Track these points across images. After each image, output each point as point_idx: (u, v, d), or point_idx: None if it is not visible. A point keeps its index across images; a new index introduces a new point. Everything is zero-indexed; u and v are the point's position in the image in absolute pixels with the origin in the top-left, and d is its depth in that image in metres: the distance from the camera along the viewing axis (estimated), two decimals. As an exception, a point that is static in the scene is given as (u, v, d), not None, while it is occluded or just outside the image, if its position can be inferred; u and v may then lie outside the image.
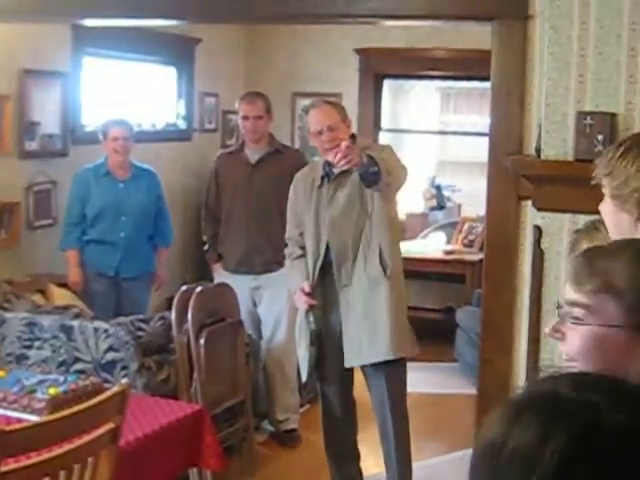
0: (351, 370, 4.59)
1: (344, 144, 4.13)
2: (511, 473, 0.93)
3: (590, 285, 1.46)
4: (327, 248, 4.47)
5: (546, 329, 1.54)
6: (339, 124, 4.46)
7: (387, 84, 8.41)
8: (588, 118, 3.39)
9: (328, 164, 4.48)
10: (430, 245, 8.02)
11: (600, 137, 3.36)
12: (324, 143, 4.43)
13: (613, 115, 3.37)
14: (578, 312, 1.45)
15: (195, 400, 4.58)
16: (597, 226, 2.49)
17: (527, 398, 1.00)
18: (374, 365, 4.45)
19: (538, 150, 3.55)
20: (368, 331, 4.40)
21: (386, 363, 4.41)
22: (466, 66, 7.40)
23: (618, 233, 2.16)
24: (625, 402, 0.97)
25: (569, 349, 1.48)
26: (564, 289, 1.52)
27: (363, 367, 4.53)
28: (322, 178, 4.52)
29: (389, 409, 4.53)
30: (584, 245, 2.41)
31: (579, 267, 1.49)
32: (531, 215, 3.63)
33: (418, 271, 7.44)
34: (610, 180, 2.20)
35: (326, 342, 4.57)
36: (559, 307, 1.50)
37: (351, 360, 4.46)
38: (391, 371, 4.50)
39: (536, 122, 3.73)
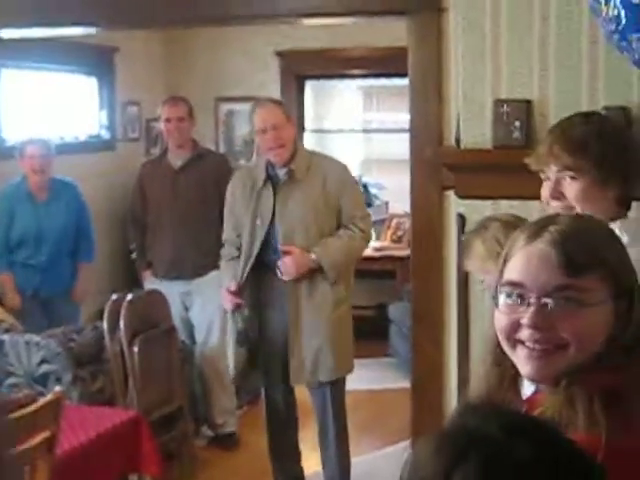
0: None
1: (288, 260, 4.30)
2: None
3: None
4: (262, 248, 4.50)
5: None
6: (284, 123, 4.49)
7: (309, 85, 8.46)
8: (505, 106, 3.45)
9: (270, 164, 4.51)
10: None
11: (517, 123, 3.42)
12: (268, 142, 4.46)
13: (528, 102, 3.44)
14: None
15: (131, 408, 4.56)
16: (486, 224, 2.59)
17: (461, 439, 1.05)
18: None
19: (458, 140, 3.61)
20: (314, 351, 4.47)
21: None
22: (386, 63, 7.45)
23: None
24: (526, 438, 1.03)
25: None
26: None
27: None
28: (265, 180, 4.53)
29: (331, 415, 4.60)
30: (478, 244, 2.51)
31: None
32: (454, 204, 3.69)
33: (349, 269, 7.48)
34: (574, 157, 2.35)
35: (268, 345, 4.61)
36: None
37: (296, 379, 4.53)
38: (334, 382, 4.58)
39: (454, 113, 3.79)
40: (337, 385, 4.64)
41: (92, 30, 4.91)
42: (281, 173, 4.50)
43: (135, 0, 4.14)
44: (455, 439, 1.05)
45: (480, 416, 1.09)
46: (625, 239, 2.00)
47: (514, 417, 1.16)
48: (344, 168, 4.68)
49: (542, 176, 2.66)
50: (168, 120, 5.66)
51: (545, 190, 2.63)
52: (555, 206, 2.56)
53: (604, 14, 2.71)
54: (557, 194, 2.57)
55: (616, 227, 2.20)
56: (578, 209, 2.50)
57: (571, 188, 2.53)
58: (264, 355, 4.65)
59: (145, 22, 4.46)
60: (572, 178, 2.54)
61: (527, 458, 1.00)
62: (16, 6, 4.44)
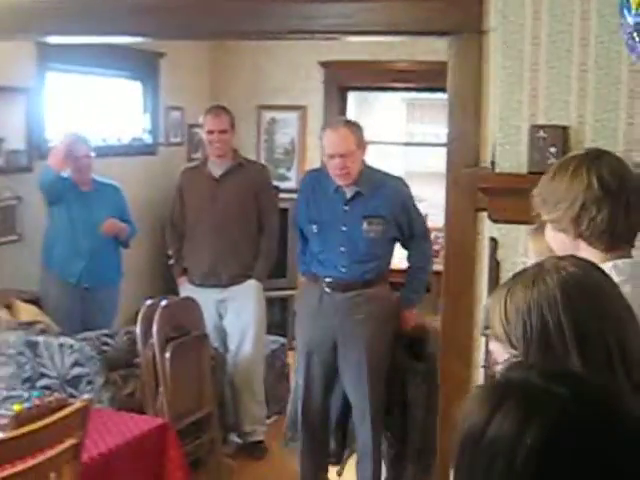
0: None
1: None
2: (493, 458, 1.03)
3: None
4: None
5: None
6: (353, 152, 4.52)
7: (352, 96, 8.47)
8: (541, 131, 3.46)
9: (338, 186, 4.63)
10: (396, 255, 8.05)
11: (553, 150, 3.43)
12: (335, 169, 4.51)
13: (565, 128, 3.44)
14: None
15: (161, 414, 4.61)
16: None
17: (503, 386, 1.11)
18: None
19: (493, 163, 3.61)
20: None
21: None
22: (430, 77, 7.43)
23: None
24: (587, 394, 1.09)
25: None
26: None
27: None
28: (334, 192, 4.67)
29: (369, 425, 4.63)
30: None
31: None
32: (487, 227, 3.69)
33: (384, 281, 7.49)
34: (544, 206, 2.27)
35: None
36: None
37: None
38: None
39: (492, 135, 3.80)
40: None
41: (138, 39, 4.97)
42: (348, 192, 4.58)
43: (180, 12, 4.18)
44: (497, 388, 1.11)
45: (522, 369, 1.17)
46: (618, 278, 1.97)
47: (554, 368, 1.25)
48: (404, 185, 4.79)
49: None
50: (210, 132, 5.69)
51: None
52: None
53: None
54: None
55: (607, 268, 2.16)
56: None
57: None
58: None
59: (188, 34, 4.51)
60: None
61: (565, 396, 1.05)
62: (64, 13, 4.49)
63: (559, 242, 2.27)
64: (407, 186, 4.78)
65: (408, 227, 4.72)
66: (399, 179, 4.82)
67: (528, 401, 1.05)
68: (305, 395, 4.76)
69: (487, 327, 1.69)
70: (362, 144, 4.61)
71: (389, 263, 4.82)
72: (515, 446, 1.01)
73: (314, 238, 4.72)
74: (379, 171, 4.82)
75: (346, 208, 4.60)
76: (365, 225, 4.62)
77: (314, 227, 4.70)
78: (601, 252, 2.20)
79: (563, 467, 0.99)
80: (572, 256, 1.79)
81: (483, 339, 3.55)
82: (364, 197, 4.59)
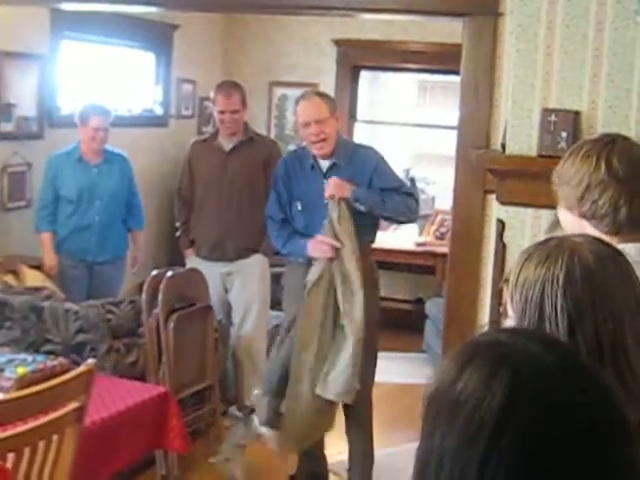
0: None
1: (332, 182, 4.32)
2: (460, 409, 1.03)
3: None
4: None
5: None
6: (327, 119, 4.50)
7: (364, 75, 8.46)
8: (552, 115, 3.46)
9: (314, 157, 4.57)
10: (402, 236, 8.10)
11: (564, 134, 3.43)
12: (310, 136, 4.50)
13: (577, 113, 3.44)
14: None
15: (163, 383, 4.63)
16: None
17: (474, 346, 1.11)
18: None
19: (504, 146, 3.62)
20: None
21: None
22: (442, 59, 7.45)
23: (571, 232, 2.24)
24: (556, 347, 1.10)
25: None
26: None
27: None
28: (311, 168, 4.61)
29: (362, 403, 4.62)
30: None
31: None
32: (495, 208, 3.70)
33: (389, 262, 7.53)
34: (558, 184, 2.31)
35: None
36: None
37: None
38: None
39: (503, 117, 3.80)
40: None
41: (153, 9, 4.97)
42: (324, 166, 4.55)
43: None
44: (466, 347, 1.10)
45: (492, 332, 1.19)
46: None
47: (524, 329, 1.31)
48: (375, 152, 4.73)
49: None
50: (222, 112, 5.67)
51: None
52: None
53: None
54: None
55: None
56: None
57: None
58: None
59: (204, 5, 4.51)
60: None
61: (534, 349, 1.06)
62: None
63: (567, 221, 2.31)
64: (378, 153, 4.77)
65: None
66: (370, 148, 4.82)
67: (494, 355, 1.06)
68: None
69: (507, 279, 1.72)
70: (335, 114, 4.60)
71: (374, 233, 4.77)
72: (481, 398, 1.01)
73: (299, 215, 4.71)
74: (351, 142, 4.90)
75: (325, 182, 4.60)
76: None
77: (298, 204, 4.69)
78: (606, 235, 2.22)
79: (530, 415, 1.00)
80: (596, 239, 1.80)
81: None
82: (340, 168, 4.57)
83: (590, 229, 2.24)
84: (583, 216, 2.27)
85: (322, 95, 4.78)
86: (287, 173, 4.71)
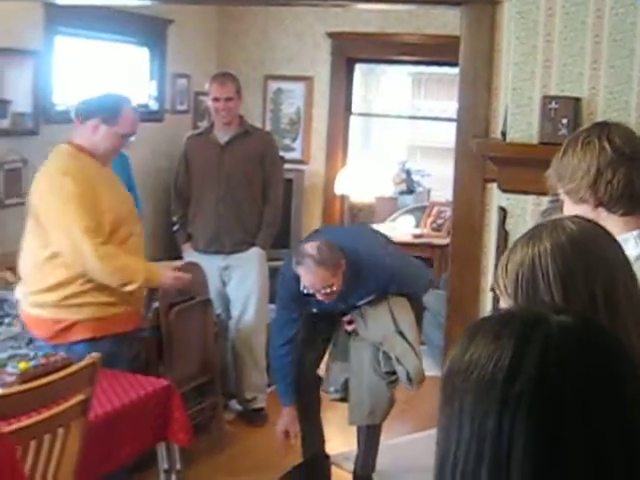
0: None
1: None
2: (473, 367, 1.05)
3: None
4: None
5: None
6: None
7: (359, 68, 8.45)
8: (553, 102, 3.46)
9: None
10: (399, 229, 8.09)
11: (564, 121, 3.43)
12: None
13: (577, 100, 3.44)
14: None
15: (164, 377, 4.62)
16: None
17: (477, 323, 1.13)
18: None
19: (504, 133, 3.62)
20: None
21: None
22: (437, 51, 7.43)
23: None
24: (568, 310, 1.14)
25: None
26: None
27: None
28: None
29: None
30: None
31: None
32: (496, 197, 3.70)
33: (387, 254, 7.52)
34: (561, 182, 2.28)
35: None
36: None
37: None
38: None
39: (503, 106, 3.80)
40: None
41: (147, 2, 4.95)
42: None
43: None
44: (490, 322, 1.11)
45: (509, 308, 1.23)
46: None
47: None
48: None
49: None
50: (216, 100, 5.69)
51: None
52: None
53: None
54: None
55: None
56: None
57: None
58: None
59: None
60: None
61: (567, 322, 1.07)
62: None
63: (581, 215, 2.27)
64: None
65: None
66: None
67: (502, 321, 1.08)
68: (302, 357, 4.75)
69: (493, 287, 1.75)
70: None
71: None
72: (493, 350, 1.03)
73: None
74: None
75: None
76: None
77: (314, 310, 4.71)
78: (621, 217, 2.21)
79: (542, 361, 1.01)
80: (575, 216, 1.81)
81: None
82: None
83: (605, 217, 2.21)
84: (599, 202, 2.24)
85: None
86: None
